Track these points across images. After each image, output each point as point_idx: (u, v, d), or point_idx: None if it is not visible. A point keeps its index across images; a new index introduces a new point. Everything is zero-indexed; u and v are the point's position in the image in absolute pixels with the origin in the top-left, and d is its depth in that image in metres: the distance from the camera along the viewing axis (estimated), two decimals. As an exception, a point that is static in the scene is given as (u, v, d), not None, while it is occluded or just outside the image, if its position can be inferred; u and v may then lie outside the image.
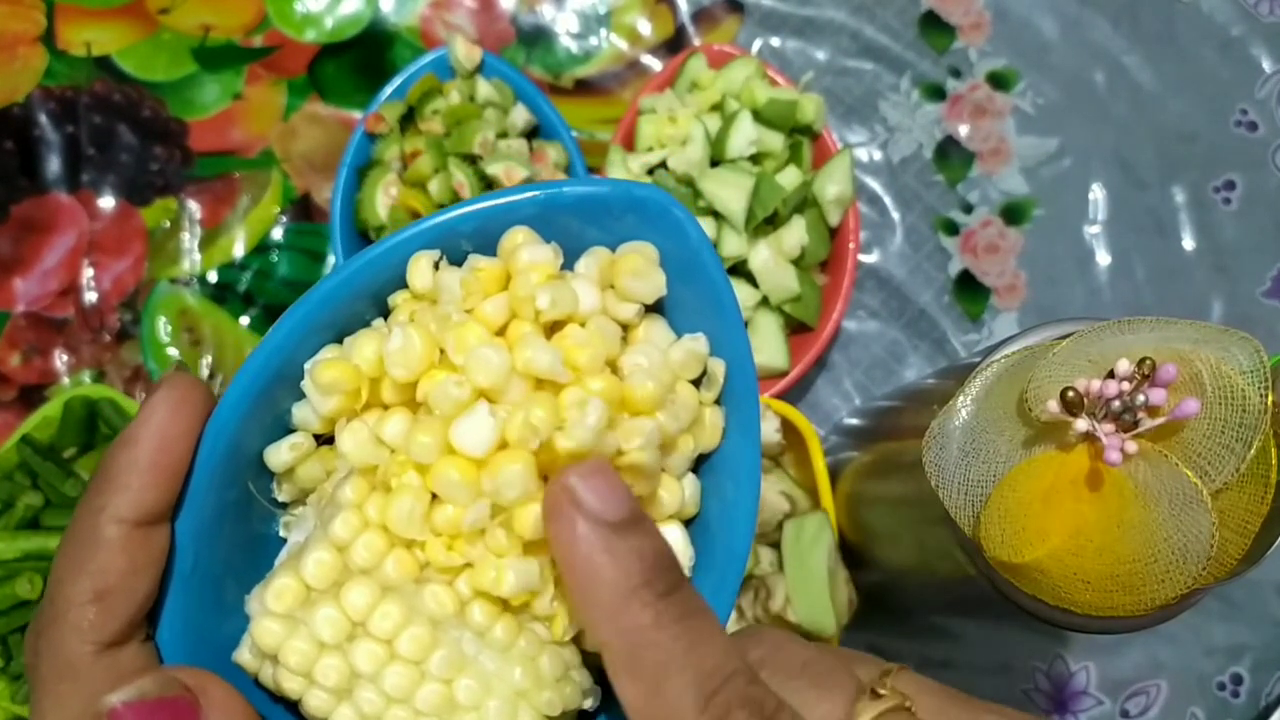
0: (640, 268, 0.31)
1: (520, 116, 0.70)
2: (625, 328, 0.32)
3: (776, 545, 0.59)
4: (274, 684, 0.29)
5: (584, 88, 0.79)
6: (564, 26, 0.80)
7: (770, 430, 0.60)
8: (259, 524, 0.33)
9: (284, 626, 0.28)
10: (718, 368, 0.32)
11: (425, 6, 0.79)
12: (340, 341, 0.32)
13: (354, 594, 0.28)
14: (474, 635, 0.30)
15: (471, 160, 0.66)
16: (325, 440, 0.32)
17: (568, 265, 0.32)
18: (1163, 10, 0.83)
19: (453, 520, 0.29)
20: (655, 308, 0.33)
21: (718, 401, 0.33)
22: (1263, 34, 0.83)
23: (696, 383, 0.32)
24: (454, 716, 0.29)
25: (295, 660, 0.28)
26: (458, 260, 0.32)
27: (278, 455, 0.32)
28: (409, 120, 0.70)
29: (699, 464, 0.33)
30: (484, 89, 0.69)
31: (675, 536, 0.32)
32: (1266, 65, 0.82)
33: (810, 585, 0.56)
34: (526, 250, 0.30)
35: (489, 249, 0.32)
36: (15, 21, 0.78)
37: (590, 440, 0.28)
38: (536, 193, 0.32)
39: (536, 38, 0.79)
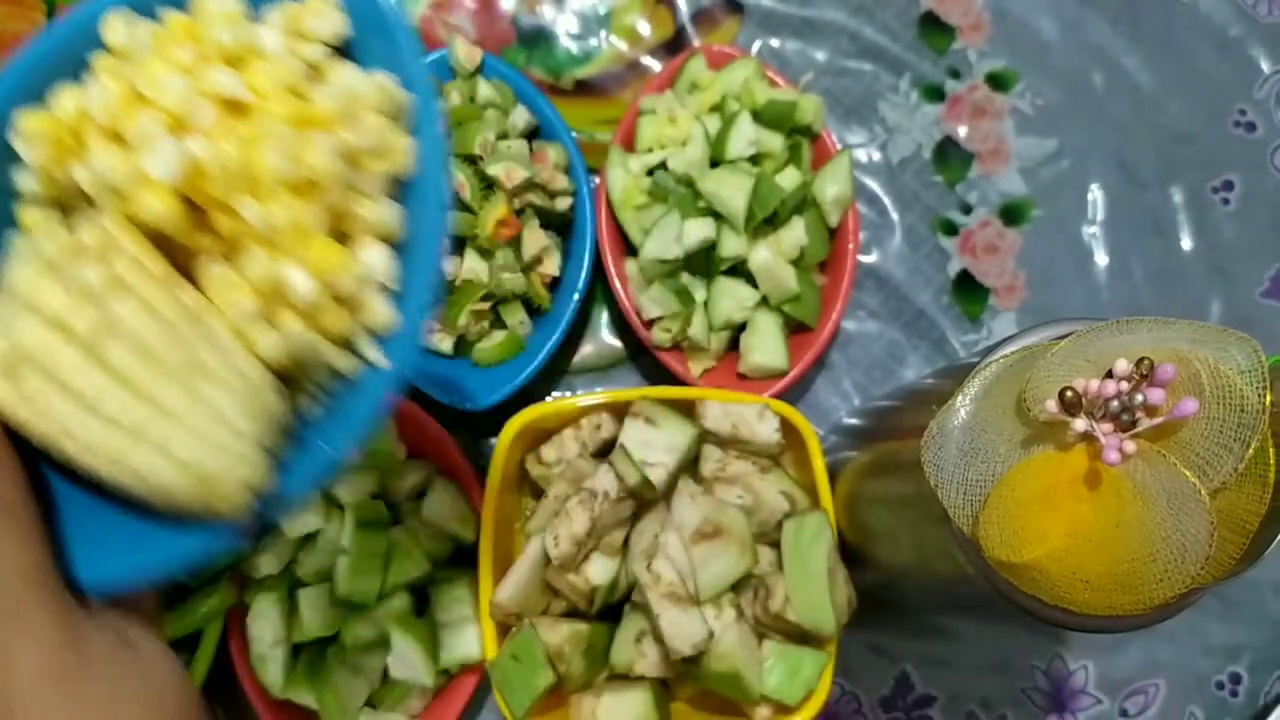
0: (320, 9, 0.35)
1: (520, 118, 0.70)
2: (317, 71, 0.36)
3: (776, 545, 0.59)
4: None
5: (584, 88, 0.79)
6: (564, 27, 0.80)
7: (770, 430, 0.61)
8: None
9: (46, 274, 0.31)
10: (406, 101, 0.36)
11: (425, 7, 0.79)
12: None
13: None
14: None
15: (472, 161, 0.66)
16: None
17: None
18: (1161, 11, 0.83)
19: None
20: (347, 58, 0.37)
21: (412, 135, 0.36)
22: (1261, 34, 0.83)
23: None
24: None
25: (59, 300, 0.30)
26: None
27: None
28: None
29: (403, 196, 0.37)
30: (484, 90, 0.70)
31: (379, 255, 0.35)
32: (1265, 65, 0.82)
33: (809, 584, 0.56)
34: (214, 1, 0.34)
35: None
36: (15, 22, 0.78)
37: (288, 163, 0.32)
38: None
39: (537, 39, 0.80)
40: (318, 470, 0.35)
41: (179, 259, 0.34)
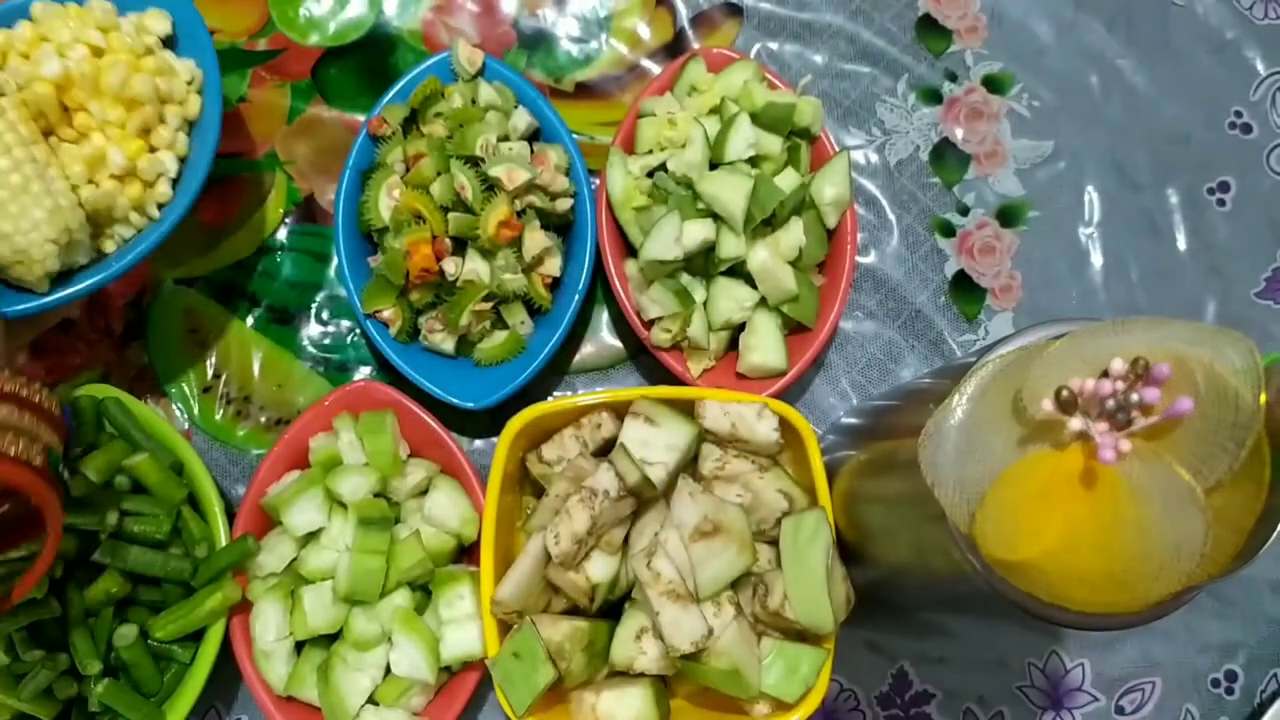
0: (157, 17, 0.66)
1: (522, 120, 0.70)
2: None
3: (774, 543, 0.59)
4: None
5: (584, 91, 0.80)
6: (565, 30, 0.80)
7: (768, 429, 0.61)
8: None
9: None
10: (200, 75, 0.67)
11: (427, 10, 0.80)
12: None
13: None
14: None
15: (474, 163, 0.66)
16: None
17: None
18: (1157, 14, 0.83)
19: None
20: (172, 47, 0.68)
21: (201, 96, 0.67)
22: (1257, 37, 0.83)
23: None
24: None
25: None
26: None
27: None
28: (412, 123, 0.71)
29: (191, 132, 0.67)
30: (486, 92, 0.70)
31: (170, 158, 0.65)
32: (1261, 67, 0.83)
33: (808, 582, 0.57)
34: (97, 2, 0.64)
35: None
36: None
37: (119, 84, 0.62)
38: None
39: (538, 41, 0.80)
40: (103, 278, 0.62)
41: (52, 139, 0.63)
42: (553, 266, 0.69)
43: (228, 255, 0.75)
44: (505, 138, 0.69)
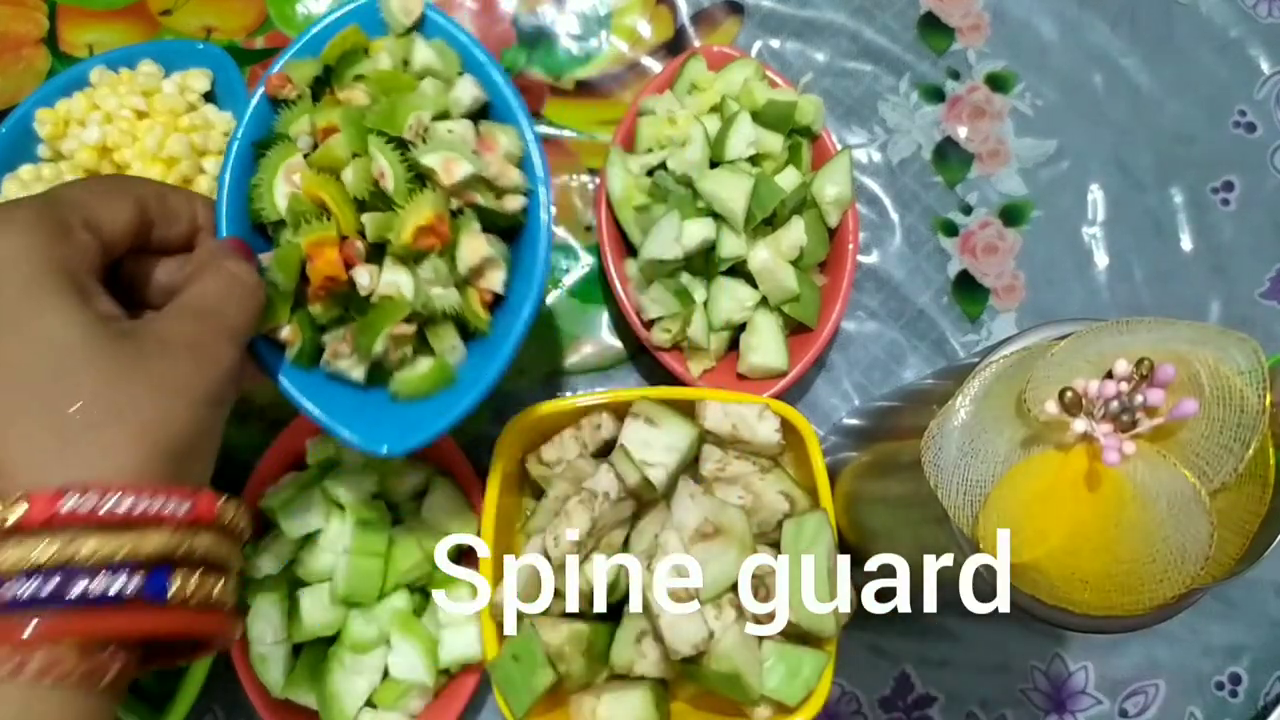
0: (199, 75, 0.70)
1: (467, 92, 0.54)
2: None
3: (776, 545, 0.59)
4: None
5: (584, 89, 0.79)
6: (564, 28, 0.80)
7: (770, 430, 0.61)
8: None
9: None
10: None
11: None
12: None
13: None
14: None
15: (400, 145, 0.51)
16: None
17: None
18: (1161, 12, 0.83)
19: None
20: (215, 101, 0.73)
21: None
22: (1261, 35, 0.83)
23: None
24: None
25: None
26: None
27: None
28: (324, 85, 0.55)
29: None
30: (423, 53, 0.54)
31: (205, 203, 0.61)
32: (1265, 66, 0.82)
33: (809, 585, 0.56)
34: (144, 65, 0.70)
35: None
36: (18, 23, 0.78)
37: (155, 145, 0.66)
38: None
39: (537, 39, 0.80)
40: None
41: None
42: (495, 281, 0.53)
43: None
44: (444, 114, 0.53)
